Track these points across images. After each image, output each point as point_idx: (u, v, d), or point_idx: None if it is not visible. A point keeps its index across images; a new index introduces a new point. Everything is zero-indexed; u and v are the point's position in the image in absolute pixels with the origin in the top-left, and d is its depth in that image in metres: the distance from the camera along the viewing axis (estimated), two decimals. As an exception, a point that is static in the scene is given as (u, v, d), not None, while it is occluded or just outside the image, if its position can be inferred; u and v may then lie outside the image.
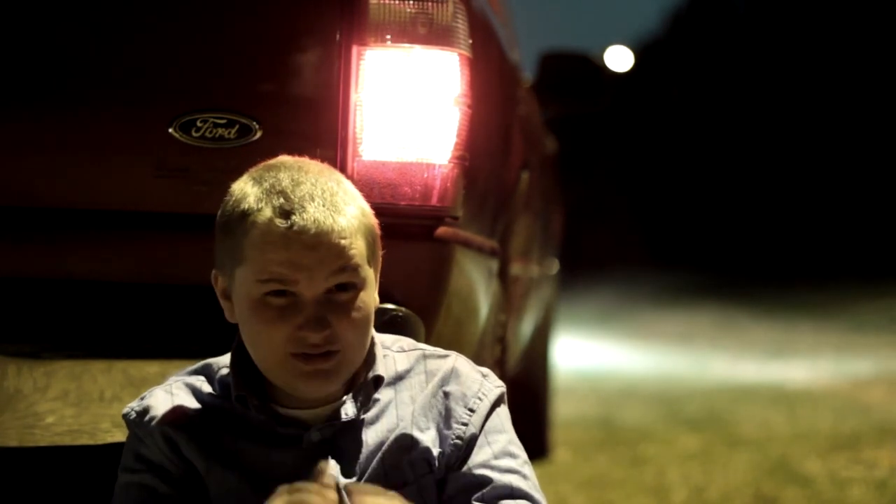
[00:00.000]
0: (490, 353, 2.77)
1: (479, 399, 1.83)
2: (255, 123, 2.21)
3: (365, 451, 1.80)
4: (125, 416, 1.85)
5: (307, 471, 1.67)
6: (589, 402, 7.66)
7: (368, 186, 2.21)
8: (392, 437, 1.80)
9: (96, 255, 2.23)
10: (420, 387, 1.84)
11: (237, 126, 2.21)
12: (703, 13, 27.37)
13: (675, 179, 26.27)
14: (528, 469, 1.85)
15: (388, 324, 2.19)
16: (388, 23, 2.22)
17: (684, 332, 13.85)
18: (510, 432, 1.86)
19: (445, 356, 1.88)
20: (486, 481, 1.79)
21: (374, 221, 1.79)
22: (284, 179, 1.73)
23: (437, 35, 2.24)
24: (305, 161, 1.79)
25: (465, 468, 1.80)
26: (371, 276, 1.77)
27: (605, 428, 6.32)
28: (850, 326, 12.64)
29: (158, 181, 2.22)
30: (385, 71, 2.22)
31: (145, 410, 1.83)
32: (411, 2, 2.23)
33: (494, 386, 1.86)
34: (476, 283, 2.54)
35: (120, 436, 2.12)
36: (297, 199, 1.71)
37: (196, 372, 1.87)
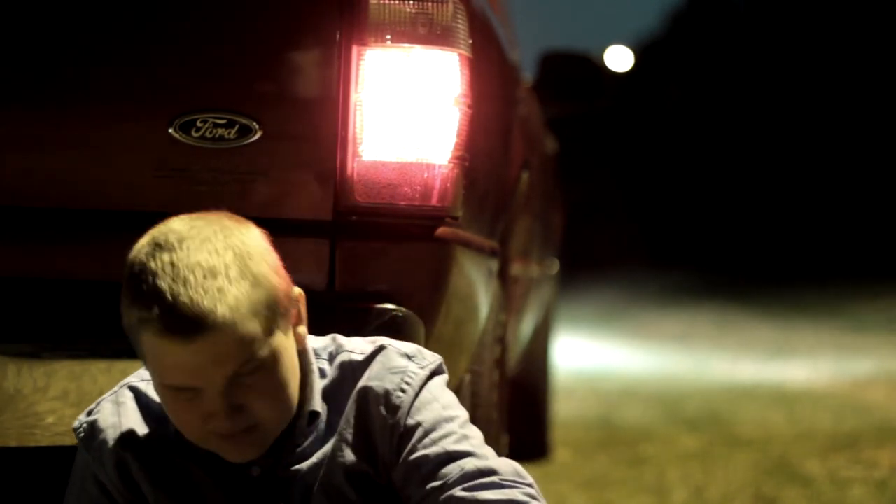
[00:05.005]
0: (490, 353, 2.77)
1: (402, 392, 1.75)
2: (255, 123, 2.21)
3: (307, 475, 1.76)
4: (75, 432, 1.83)
5: (252, 502, 1.69)
6: (589, 402, 7.65)
7: (368, 186, 2.21)
8: (328, 459, 1.76)
9: (96, 256, 2.23)
10: (346, 395, 1.77)
11: (237, 126, 2.21)
12: (703, 13, 27.36)
13: (675, 179, 26.26)
14: (469, 429, 1.77)
15: (388, 324, 2.19)
16: (388, 23, 2.22)
17: (684, 332, 13.85)
18: (442, 398, 1.78)
19: (364, 355, 1.79)
20: (423, 460, 1.73)
21: (274, 282, 1.68)
22: (169, 254, 1.63)
23: (437, 35, 2.24)
24: (194, 229, 1.67)
25: (402, 458, 1.74)
26: (280, 342, 1.68)
27: (605, 428, 6.32)
28: (850, 326, 12.64)
29: (158, 181, 2.22)
30: (385, 71, 2.22)
31: (94, 428, 1.81)
32: (411, 2, 2.23)
33: (420, 367, 1.78)
34: (476, 283, 2.54)
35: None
36: (178, 291, 1.60)
37: (147, 377, 1.82)
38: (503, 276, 2.93)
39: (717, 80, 25.41)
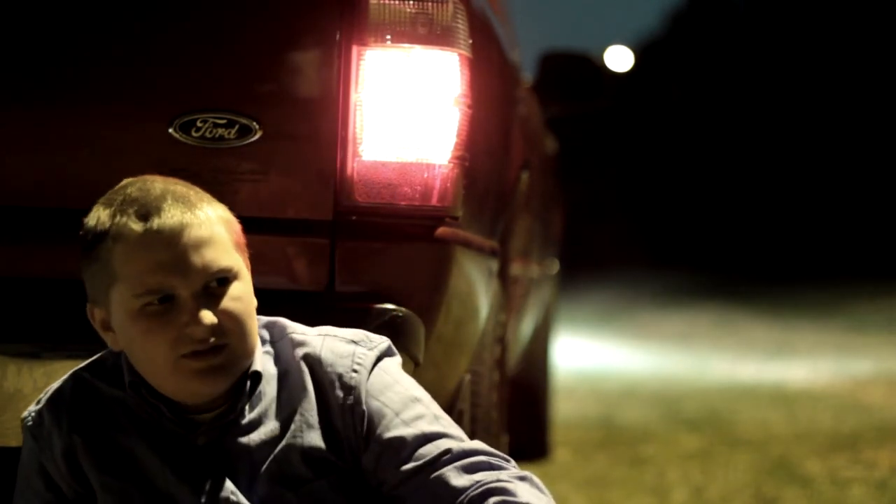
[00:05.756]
0: (490, 353, 2.77)
1: (355, 372, 1.79)
2: (255, 123, 2.21)
3: (254, 451, 1.78)
4: (24, 422, 1.86)
5: (197, 475, 1.73)
6: (589, 402, 7.65)
7: (368, 186, 2.21)
8: (284, 442, 1.78)
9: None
10: (300, 381, 1.81)
11: (237, 126, 2.20)
12: (703, 13, 27.37)
13: (675, 179, 26.26)
14: (437, 409, 1.81)
15: (388, 324, 2.19)
16: (388, 23, 2.22)
17: (684, 332, 13.85)
18: (403, 380, 1.82)
19: (310, 343, 1.83)
20: (399, 442, 1.77)
21: (232, 217, 1.80)
22: (133, 192, 1.76)
23: (437, 35, 2.23)
24: (150, 175, 1.81)
25: (373, 442, 1.77)
26: (243, 267, 1.78)
27: (605, 428, 6.32)
28: (850, 326, 12.64)
29: (158, 181, 2.22)
30: (385, 71, 2.22)
31: (43, 416, 1.84)
32: (411, 2, 2.23)
33: (368, 349, 1.82)
34: (476, 283, 2.54)
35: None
36: (150, 203, 1.73)
37: (92, 363, 1.87)
38: (503, 276, 2.93)
39: (717, 80, 25.41)
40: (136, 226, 1.72)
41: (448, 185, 2.25)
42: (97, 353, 1.90)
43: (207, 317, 1.71)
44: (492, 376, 2.77)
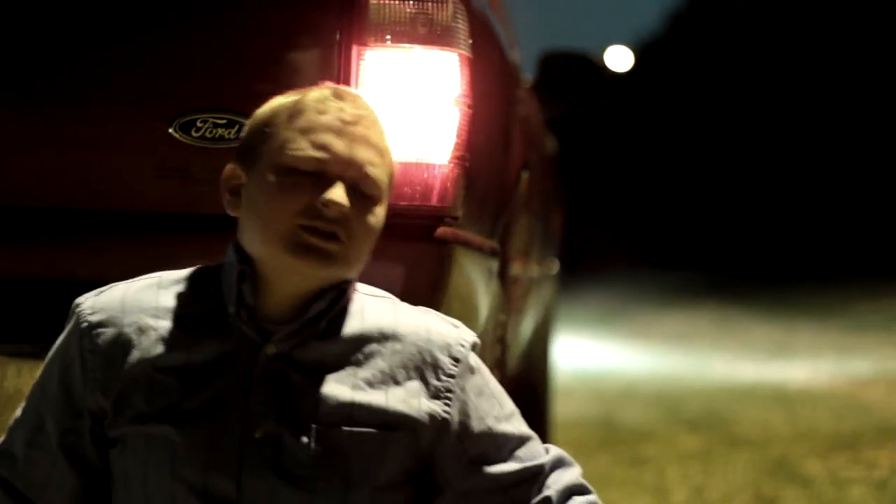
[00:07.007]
0: (490, 353, 2.77)
1: (462, 347, 1.81)
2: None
3: (319, 378, 1.74)
4: (75, 306, 1.81)
5: (255, 385, 1.70)
6: (589, 402, 7.66)
7: (368, 186, 2.21)
8: (355, 378, 1.75)
9: (96, 256, 2.23)
10: (396, 337, 1.79)
11: (237, 126, 2.21)
12: (703, 13, 27.38)
13: (675, 179, 26.27)
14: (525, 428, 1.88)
15: (388, 324, 2.18)
16: (388, 23, 2.22)
17: (684, 332, 13.85)
18: (497, 388, 1.88)
19: (415, 309, 1.85)
20: (500, 438, 1.82)
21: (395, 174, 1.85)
22: (332, 87, 1.80)
23: (437, 35, 2.24)
24: None
25: (461, 426, 1.78)
26: (386, 203, 1.80)
27: (605, 428, 6.32)
28: (850, 326, 12.64)
29: (158, 181, 2.22)
30: (385, 71, 2.22)
31: (111, 297, 1.79)
32: (411, 2, 2.23)
33: (469, 333, 1.85)
34: (476, 283, 2.54)
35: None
36: (349, 94, 1.79)
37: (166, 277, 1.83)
38: (503, 276, 2.93)
39: (716, 80, 25.41)
40: (330, 99, 1.76)
41: (448, 185, 2.25)
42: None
43: (345, 198, 1.72)
44: (492, 376, 2.77)
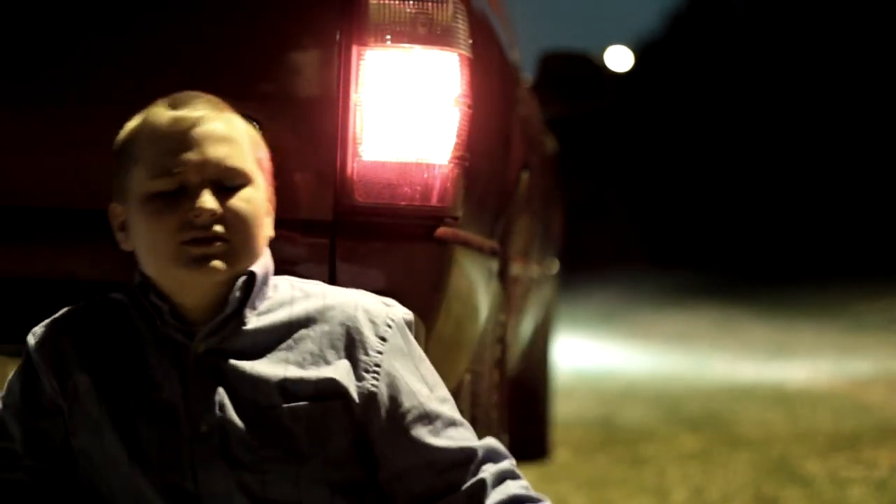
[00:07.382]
0: (490, 353, 2.77)
1: (392, 320, 1.89)
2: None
3: (252, 365, 1.83)
4: (26, 343, 1.93)
5: (191, 383, 1.80)
6: (589, 402, 7.65)
7: (368, 186, 2.21)
8: (287, 360, 1.84)
9: (96, 256, 2.22)
10: (322, 317, 1.87)
11: (237, 126, 2.20)
12: (703, 13, 27.37)
13: (675, 179, 26.27)
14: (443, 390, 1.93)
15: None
16: (388, 23, 2.22)
17: (684, 332, 13.84)
18: (422, 354, 1.93)
19: (342, 292, 1.92)
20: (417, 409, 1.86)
21: (261, 140, 1.92)
22: (168, 98, 1.88)
23: (437, 35, 2.23)
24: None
25: (387, 398, 1.84)
26: (259, 177, 1.87)
27: (605, 428, 6.32)
28: (850, 326, 12.64)
29: (158, 181, 2.22)
30: (385, 71, 2.22)
31: (46, 330, 1.93)
32: (411, 2, 2.23)
33: (400, 309, 1.92)
34: (476, 284, 2.54)
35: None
36: (182, 98, 1.87)
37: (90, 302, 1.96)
38: (503, 276, 2.93)
39: (716, 80, 25.41)
40: (165, 112, 1.84)
41: (448, 185, 2.25)
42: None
43: (210, 202, 1.79)
44: (492, 376, 2.77)
